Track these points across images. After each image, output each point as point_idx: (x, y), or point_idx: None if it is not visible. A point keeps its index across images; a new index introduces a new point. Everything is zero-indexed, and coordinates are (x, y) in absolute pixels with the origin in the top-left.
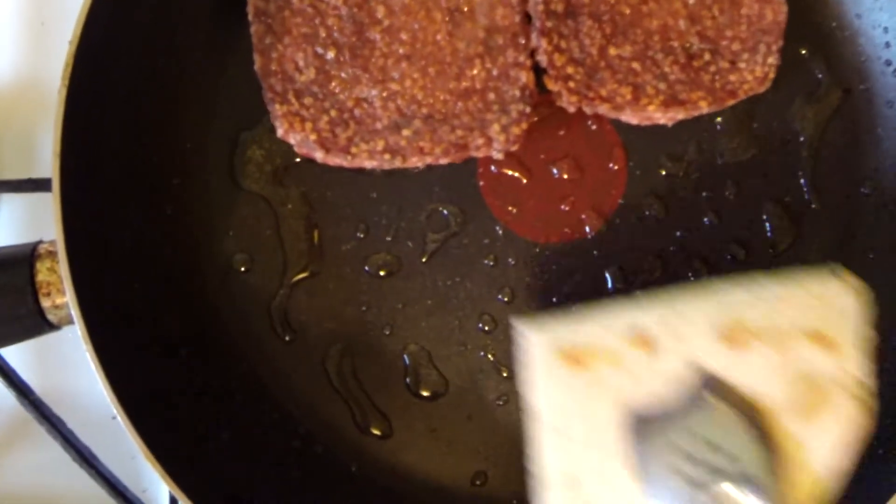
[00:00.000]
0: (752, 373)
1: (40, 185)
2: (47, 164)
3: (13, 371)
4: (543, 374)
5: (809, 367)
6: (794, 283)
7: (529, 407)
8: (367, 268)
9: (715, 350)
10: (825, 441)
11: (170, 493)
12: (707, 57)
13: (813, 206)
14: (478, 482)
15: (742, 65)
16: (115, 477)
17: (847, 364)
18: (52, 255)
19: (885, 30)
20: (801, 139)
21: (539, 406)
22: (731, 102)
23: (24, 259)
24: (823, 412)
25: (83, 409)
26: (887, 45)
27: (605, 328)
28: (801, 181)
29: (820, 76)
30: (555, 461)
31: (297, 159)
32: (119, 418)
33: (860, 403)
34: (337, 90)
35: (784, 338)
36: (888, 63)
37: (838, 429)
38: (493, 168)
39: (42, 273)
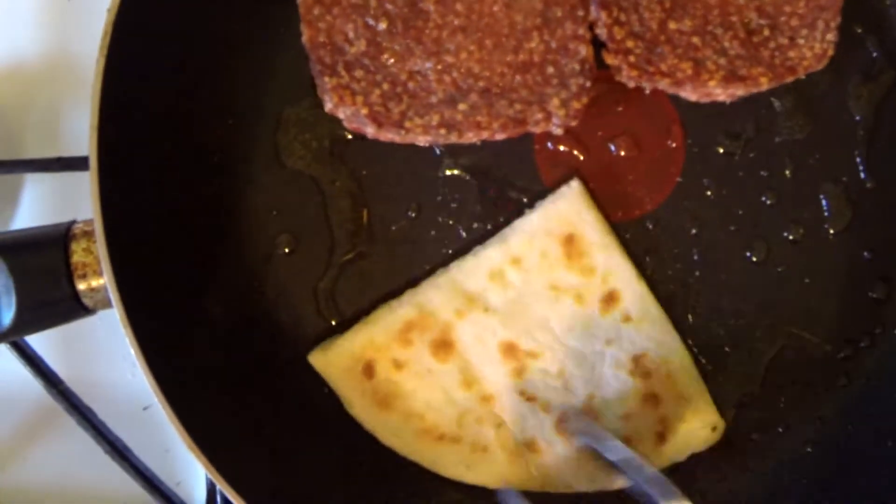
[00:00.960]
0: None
1: (70, 164)
2: (75, 142)
3: (40, 359)
4: (348, 396)
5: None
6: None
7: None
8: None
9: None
10: None
11: (207, 483)
12: (766, 32)
13: (868, 185)
14: None
15: (801, 41)
16: (149, 469)
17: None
18: (88, 235)
19: None
20: (857, 118)
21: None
22: (790, 79)
23: (58, 240)
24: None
25: (114, 399)
26: None
27: (371, 334)
28: (857, 160)
29: (875, 55)
30: None
31: (346, 135)
32: (159, 405)
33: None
34: (389, 63)
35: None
36: None
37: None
38: (549, 144)
39: (77, 254)
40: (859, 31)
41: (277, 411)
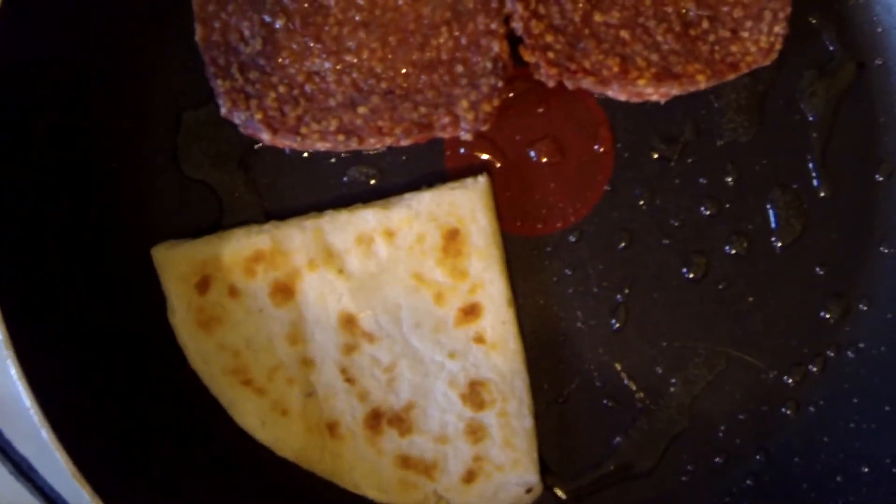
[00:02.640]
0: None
1: None
2: None
3: None
4: (174, 303)
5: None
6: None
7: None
8: None
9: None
10: None
11: None
12: (705, 25)
13: (822, 193)
14: None
15: (745, 34)
16: (56, 492)
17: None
18: None
19: None
20: (811, 119)
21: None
22: (731, 76)
23: None
24: None
25: (20, 416)
26: None
27: (219, 250)
28: (810, 165)
29: (832, 49)
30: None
31: (250, 143)
32: (42, 429)
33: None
34: (286, 63)
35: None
36: None
37: None
38: (462, 150)
39: None
40: (814, 21)
41: (176, 436)
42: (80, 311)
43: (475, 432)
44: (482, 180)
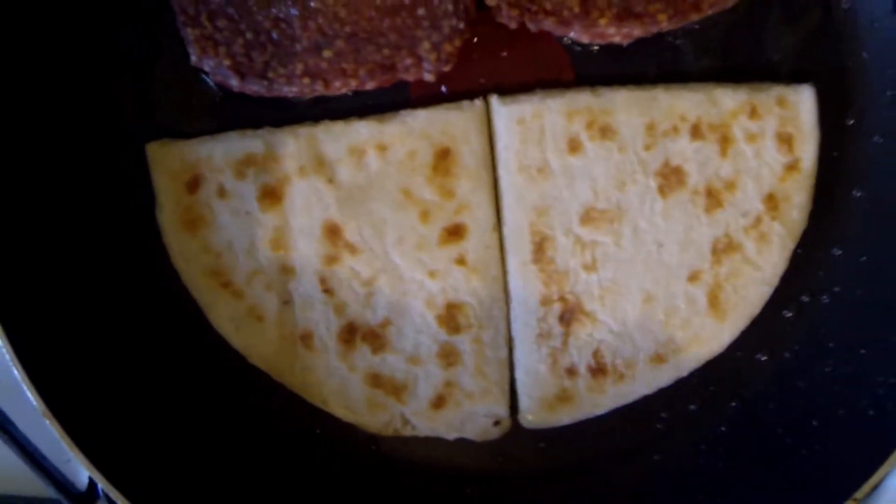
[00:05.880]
0: None
1: None
2: None
3: None
4: (164, 200)
5: None
6: None
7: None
8: None
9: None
10: None
11: None
12: None
13: None
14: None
15: None
16: (32, 444)
17: None
18: None
19: None
20: (776, 62)
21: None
22: (694, 17)
23: None
24: None
25: None
26: None
27: (212, 150)
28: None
29: None
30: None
31: (218, 93)
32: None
33: None
34: (253, 10)
35: None
36: None
37: None
38: (427, 95)
39: None
40: None
41: (163, 385)
42: (61, 255)
43: (448, 356)
44: (478, 104)
